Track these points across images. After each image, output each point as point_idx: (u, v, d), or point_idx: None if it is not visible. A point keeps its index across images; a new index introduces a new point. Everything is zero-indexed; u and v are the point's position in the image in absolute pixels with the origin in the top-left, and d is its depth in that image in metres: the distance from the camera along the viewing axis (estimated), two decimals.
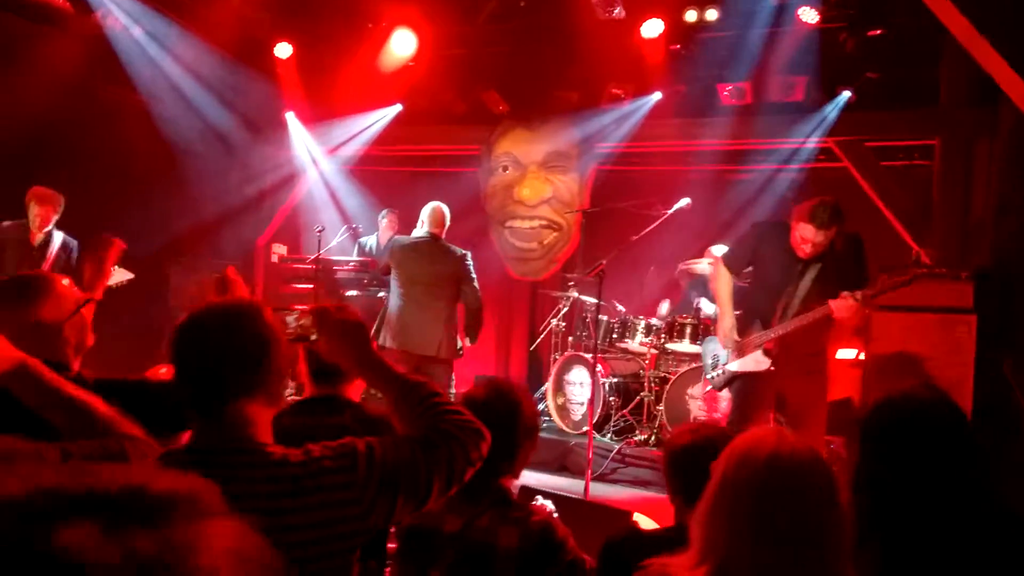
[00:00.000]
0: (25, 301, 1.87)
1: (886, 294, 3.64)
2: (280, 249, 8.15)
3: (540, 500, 2.60)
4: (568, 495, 3.64)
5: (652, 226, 4.67)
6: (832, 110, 6.20)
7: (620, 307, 6.18)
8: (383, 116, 7.61)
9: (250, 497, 1.31)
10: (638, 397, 5.70)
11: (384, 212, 7.05)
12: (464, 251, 5.41)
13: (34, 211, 5.16)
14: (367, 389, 2.30)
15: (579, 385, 5.84)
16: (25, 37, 5.98)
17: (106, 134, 6.59)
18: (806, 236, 3.66)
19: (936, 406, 1.61)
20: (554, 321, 6.47)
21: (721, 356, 4.08)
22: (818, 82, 6.31)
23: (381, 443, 1.45)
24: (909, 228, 6.18)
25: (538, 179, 7.49)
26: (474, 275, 5.40)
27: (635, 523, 2.41)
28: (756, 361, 3.85)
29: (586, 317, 6.19)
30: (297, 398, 2.36)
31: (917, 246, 6.01)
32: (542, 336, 6.70)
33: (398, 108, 7.58)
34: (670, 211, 4.60)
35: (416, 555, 2.00)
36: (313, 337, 1.55)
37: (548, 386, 6.05)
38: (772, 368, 3.82)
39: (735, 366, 3.93)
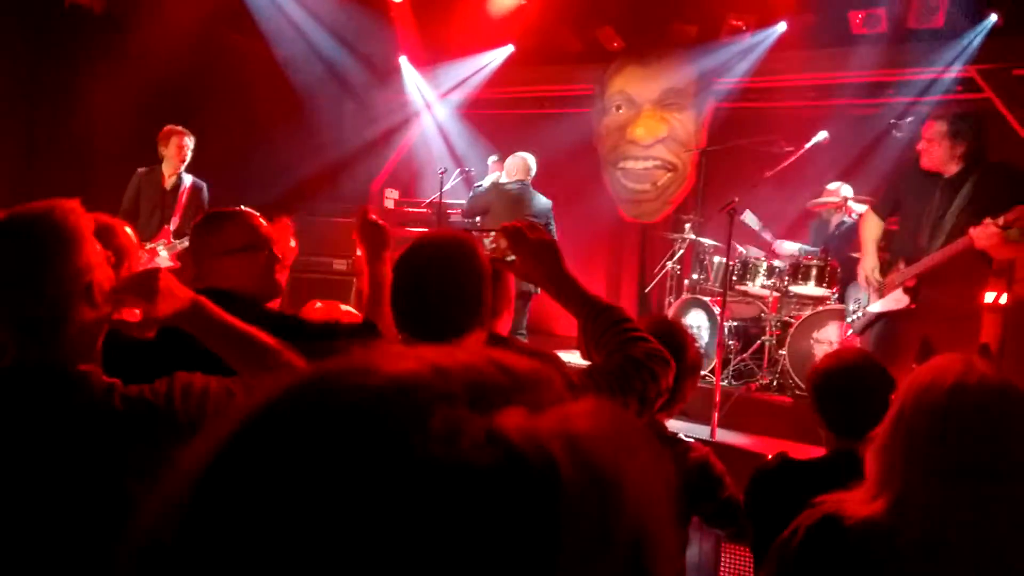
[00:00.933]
0: (212, 232, 1.97)
1: None
2: (392, 194, 8.30)
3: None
4: (698, 438, 3.63)
5: (789, 160, 4.47)
6: (977, 36, 5.72)
7: (741, 248, 6.01)
8: (495, 58, 7.56)
9: None
10: (759, 341, 5.56)
11: (493, 157, 7.07)
12: (549, 200, 6.04)
13: (174, 145, 5.23)
14: (514, 326, 2.33)
15: (698, 329, 5.75)
16: None
17: (232, 82, 6.84)
18: (923, 133, 3.56)
19: None
20: (669, 264, 6.36)
21: (863, 299, 3.93)
22: (962, 5, 5.82)
23: (579, 377, 1.44)
24: None
25: (653, 118, 7.31)
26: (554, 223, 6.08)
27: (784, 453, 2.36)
28: (896, 300, 3.68)
29: (703, 259, 6.05)
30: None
31: None
32: (657, 279, 6.61)
33: (510, 49, 7.51)
34: (808, 145, 4.38)
35: None
36: (510, 257, 1.55)
37: None
38: (914, 307, 3.63)
39: (876, 307, 3.77)
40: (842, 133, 6.59)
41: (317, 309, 3.05)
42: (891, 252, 3.84)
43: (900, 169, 3.92)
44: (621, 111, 7.44)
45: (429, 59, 7.78)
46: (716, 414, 4.17)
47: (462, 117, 8.11)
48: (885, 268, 3.81)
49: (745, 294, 5.78)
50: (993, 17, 5.79)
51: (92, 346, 1.37)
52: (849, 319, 4.03)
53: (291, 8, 6.91)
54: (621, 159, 7.49)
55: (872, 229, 3.88)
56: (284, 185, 6.92)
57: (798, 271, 5.34)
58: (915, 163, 3.83)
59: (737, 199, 4.25)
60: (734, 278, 5.74)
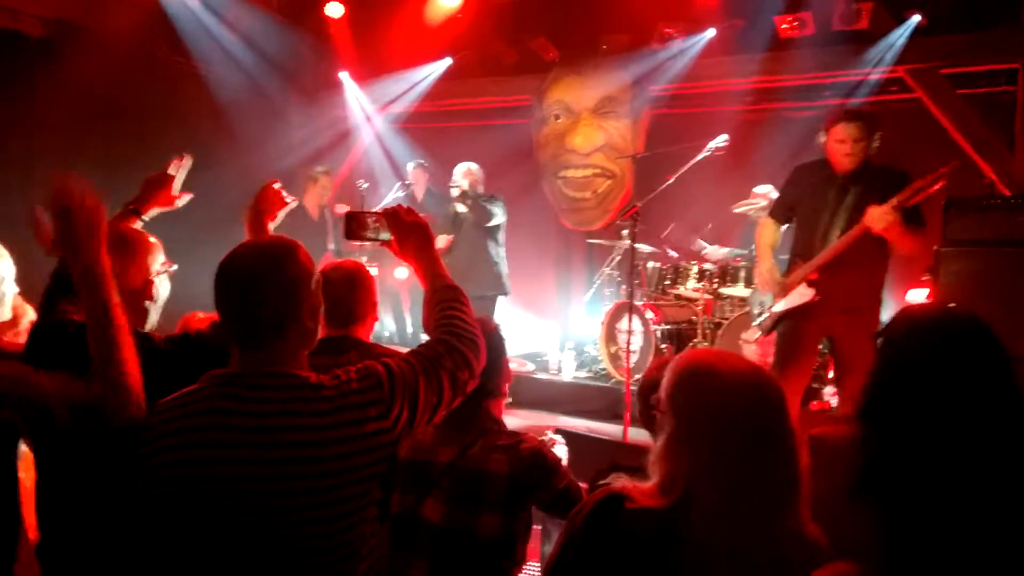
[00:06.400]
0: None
1: (917, 197, 3.36)
2: (343, 209, 8.25)
3: (550, 435, 2.60)
4: (599, 436, 3.61)
5: (685, 168, 4.52)
6: (900, 36, 5.78)
7: (672, 253, 6.02)
8: (433, 71, 7.58)
9: (289, 415, 1.42)
10: (691, 343, 5.56)
11: (412, 164, 7.04)
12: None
13: None
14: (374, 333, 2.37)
15: (630, 333, 5.73)
16: (91, 8, 6.17)
17: (169, 103, 6.78)
18: (839, 136, 3.52)
19: (961, 320, 1.23)
20: (607, 270, 6.36)
21: (766, 301, 3.92)
22: (886, 7, 5.89)
23: (396, 362, 1.56)
24: (989, 160, 5.74)
25: (590, 126, 7.33)
26: None
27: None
28: (800, 295, 3.66)
29: (638, 265, 6.06)
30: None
31: (996, 178, 5.58)
32: (595, 286, 6.61)
33: (448, 62, 7.52)
34: (703, 153, 4.42)
35: (413, 486, 2.10)
36: (387, 236, 1.75)
37: (600, 335, 5.97)
38: (818, 298, 3.60)
39: (780, 306, 3.76)
40: (776, 136, 6.66)
41: (199, 319, 3.01)
42: (791, 253, 3.83)
43: (795, 172, 3.90)
44: (560, 120, 7.46)
45: (369, 74, 7.77)
46: (627, 414, 4.14)
47: (403, 131, 8.10)
48: (786, 270, 3.81)
49: (678, 297, 5.79)
50: (916, 17, 5.86)
51: None
52: (755, 322, 4.02)
53: (223, 29, 6.88)
54: (561, 168, 7.50)
55: (768, 235, 3.88)
56: (223, 206, 6.84)
57: (727, 273, 5.36)
58: (816, 165, 3.80)
59: (639, 204, 4.28)
60: (667, 282, 5.76)
